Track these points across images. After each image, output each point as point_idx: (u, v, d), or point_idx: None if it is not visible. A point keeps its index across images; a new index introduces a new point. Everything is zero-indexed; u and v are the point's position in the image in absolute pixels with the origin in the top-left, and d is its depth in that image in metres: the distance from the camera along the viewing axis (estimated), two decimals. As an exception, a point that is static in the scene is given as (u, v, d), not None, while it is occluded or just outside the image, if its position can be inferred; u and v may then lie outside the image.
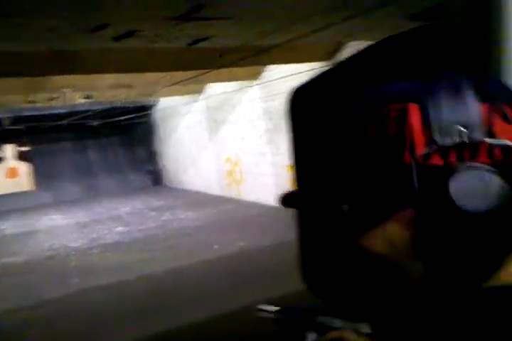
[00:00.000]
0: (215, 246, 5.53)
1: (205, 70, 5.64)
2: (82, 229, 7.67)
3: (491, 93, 0.39)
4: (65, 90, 6.61)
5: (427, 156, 0.37)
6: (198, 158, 10.88)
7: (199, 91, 9.76)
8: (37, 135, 11.76)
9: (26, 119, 10.64)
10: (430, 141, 0.37)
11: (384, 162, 0.39)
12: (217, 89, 9.14)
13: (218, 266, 4.77)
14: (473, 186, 0.36)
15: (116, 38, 3.51)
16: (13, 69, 4.34)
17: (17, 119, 10.53)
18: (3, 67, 4.23)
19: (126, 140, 13.65)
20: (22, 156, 12.00)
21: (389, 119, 0.39)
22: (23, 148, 11.83)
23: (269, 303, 0.63)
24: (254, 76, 7.67)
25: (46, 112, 10.22)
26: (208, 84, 9.40)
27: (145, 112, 12.31)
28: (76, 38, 3.40)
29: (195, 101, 10.32)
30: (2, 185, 11.48)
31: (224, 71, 6.86)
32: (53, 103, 8.14)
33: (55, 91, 6.81)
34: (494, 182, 0.36)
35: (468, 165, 0.36)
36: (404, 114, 0.39)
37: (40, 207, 10.93)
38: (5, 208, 10.95)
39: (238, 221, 6.98)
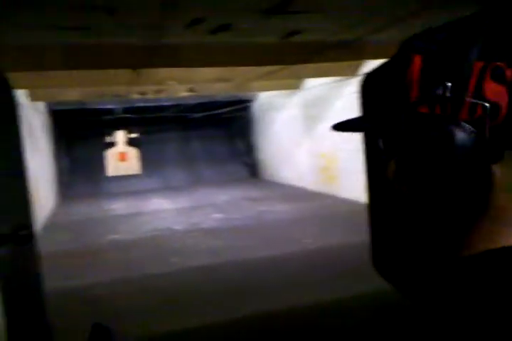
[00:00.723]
0: (307, 240, 5.63)
1: (303, 65, 5.71)
2: (184, 213, 8.20)
3: (495, 51, 0.39)
4: (170, 83, 7.07)
5: (417, 104, 0.41)
6: (294, 153, 11.03)
7: (297, 86, 9.86)
8: (145, 124, 12.70)
9: (137, 110, 11.52)
10: (422, 91, 0.41)
11: (395, 107, 0.44)
12: (314, 84, 9.18)
13: (309, 259, 4.87)
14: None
15: (212, 32, 3.69)
16: (123, 61, 4.73)
17: (128, 109, 11.45)
18: (115, 59, 4.66)
19: (226, 132, 14.21)
20: (131, 143, 13.05)
21: (405, 67, 0.43)
22: (132, 135, 12.80)
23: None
24: (354, 71, 7.59)
25: (154, 104, 10.97)
26: (306, 79, 9.48)
27: (244, 105, 12.71)
28: (173, 33, 3.61)
29: (293, 96, 10.44)
30: (114, 168, 12.60)
31: (322, 65, 6.88)
32: (160, 95, 8.75)
33: (162, 84, 7.31)
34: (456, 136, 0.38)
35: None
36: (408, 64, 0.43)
37: (147, 191, 11.81)
38: (117, 191, 12.03)
39: (331, 217, 7.01)
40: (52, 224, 7.96)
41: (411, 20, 3.52)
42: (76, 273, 4.85)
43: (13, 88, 6.24)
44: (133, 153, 13.05)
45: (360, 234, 5.39)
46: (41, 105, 9.87)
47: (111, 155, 12.85)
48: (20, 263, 1.45)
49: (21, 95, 7.41)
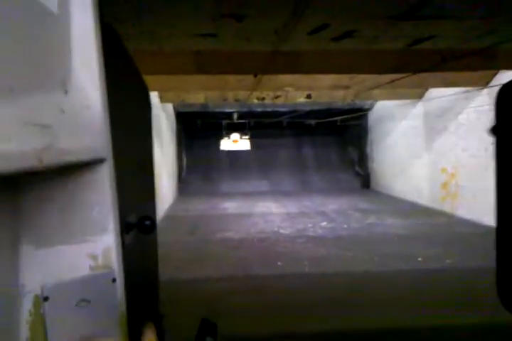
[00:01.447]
0: (419, 259, 5.32)
1: (427, 73, 5.41)
2: (291, 218, 8.25)
3: None
4: (287, 89, 7.16)
5: None
6: (410, 166, 10.51)
7: (419, 96, 9.39)
8: (261, 128, 13.04)
9: (254, 114, 11.88)
10: None
11: None
12: (437, 95, 8.66)
13: (420, 279, 4.59)
14: None
15: (335, 39, 3.64)
16: (247, 67, 4.89)
17: (246, 113, 11.85)
18: (239, 65, 4.83)
19: (339, 140, 14.04)
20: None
21: None
22: (245, 137, 13.15)
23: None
24: (484, 81, 7.02)
25: (271, 109, 11.22)
26: (429, 89, 8.99)
27: (360, 114, 12.44)
28: (296, 39, 3.63)
29: (413, 106, 9.97)
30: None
31: (450, 75, 6.45)
32: (277, 101, 8.91)
33: (279, 90, 7.44)
34: None
35: None
36: None
37: (257, 194, 12.12)
38: (230, 191, 12.53)
39: (448, 236, 6.55)
40: (171, 218, 8.52)
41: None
42: (187, 265, 5.13)
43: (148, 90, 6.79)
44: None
45: (479, 258, 4.98)
46: (169, 106, 10.64)
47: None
48: (142, 250, 1.58)
49: (153, 96, 8.07)
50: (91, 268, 0.92)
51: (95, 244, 0.92)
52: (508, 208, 1.53)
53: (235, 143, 12.64)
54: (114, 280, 0.95)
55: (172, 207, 10.06)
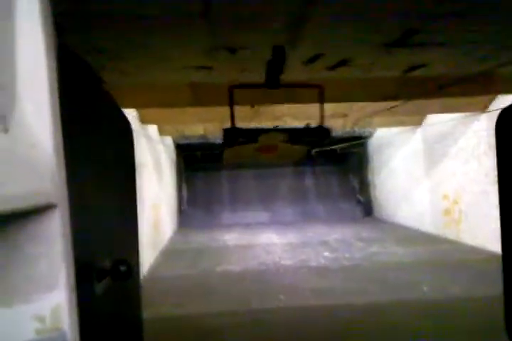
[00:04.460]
0: (424, 288, 5.18)
1: (424, 100, 5.44)
2: (293, 249, 8.11)
3: None
4: (286, 118, 7.19)
5: None
6: (412, 193, 10.44)
7: (418, 123, 9.44)
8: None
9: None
10: None
11: None
12: (436, 121, 8.70)
13: (425, 311, 4.44)
14: None
15: (330, 68, 3.66)
16: (243, 98, 4.91)
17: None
18: (236, 96, 4.85)
19: (339, 169, 14.03)
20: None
21: None
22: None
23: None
24: (482, 106, 7.05)
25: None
26: (427, 115, 9.04)
27: (360, 141, 12.48)
28: (291, 69, 3.65)
29: (412, 132, 10.00)
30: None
31: (447, 101, 6.48)
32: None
33: (278, 120, 7.47)
34: None
35: None
36: None
37: (258, 224, 11.99)
38: (230, 222, 12.41)
39: (453, 264, 6.40)
40: (170, 251, 8.39)
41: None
42: (186, 300, 4.99)
43: (143, 123, 6.73)
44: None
45: (486, 287, 4.84)
46: (169, 139, 10.69)
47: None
48: (119, 299, 1.44)
49: (153, 130, 8.11)
50: (37, 331, 0.80)
51: (42, 304, 0.80)
52: None
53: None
54: None
55: (172, 239, 9.93)
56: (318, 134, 3.58)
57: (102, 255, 1.18)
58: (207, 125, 8.73)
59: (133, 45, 2.74)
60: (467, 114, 7.49)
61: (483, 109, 7.05)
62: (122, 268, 1.21)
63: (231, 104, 3.01)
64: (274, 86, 3.46)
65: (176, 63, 3.35)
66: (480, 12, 2.36)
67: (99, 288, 1.10)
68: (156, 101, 5.24)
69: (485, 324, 3.76)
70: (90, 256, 0.93)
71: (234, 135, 3.18)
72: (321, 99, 3.33)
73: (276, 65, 3.10)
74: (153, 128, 8.15)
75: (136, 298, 1.78)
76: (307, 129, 3.45)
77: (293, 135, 3.48)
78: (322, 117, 3.55)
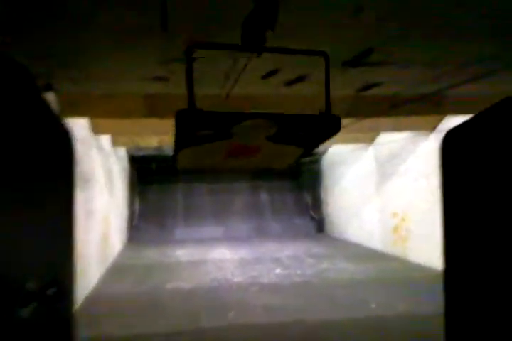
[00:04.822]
0: (373, 305, 5.24)
1: (377, 118, 5.58)
2: (245, 265, 8.04)
3: None
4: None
5: None
6: (362, 210, 10.66)
7: (370, 141, 9.70)
8: (216, 173, 12.98)
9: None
10: None
11: None
12: (388, 139, 8.98)
13: (373, 327, 4.49)
14: None
15: (288, 84, 3.71)
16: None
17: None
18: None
19: (294, 185, 14.16)
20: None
21: None
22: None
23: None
24: (431, 126, 7.34)
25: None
26: (379, 134, 9.30)
27: (314, 158, 12.68)
28: (248, 83, 3.67)
29: (365, 150, 10.27)
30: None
31: (399, 119, 6.70)
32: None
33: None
34: None
35: None
36: None
37: (211, 240, 11.84)
38: (183, 237, 12.20)
39: (400, 281, 6.54)
40: (119, 267, 8.10)
41: (501, 74, 3.35)
42: (133, 320, 4.81)
43: (97, 134, 6.52)
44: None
45: (431, 304, 4.95)
46: (122, 150, 10.45)
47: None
48: (47, 325, 1.28)
49: (105, 141, 7.90)
50: None
51: None
52: (455, 255, 1.51)
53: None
54: None
55: (121, 255, 9.62)
56: (325, 126, 2.21)
57: (25, 277, 1.07)
58: (162, 137, 8.60)
59: (84, 53, 2.66)
60: (417, 133, 7.77)
61: (433, 128, 7.34)
62: (51, 290, 1.10)
63: (189, 68, 1.83)
64: (255, 48, 2.26)
65: (130, 74, 3.29)
66: (435, 34, 2.45)
67: (24, 313, 0.99)
68: (110, 112, 5.11)
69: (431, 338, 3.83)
70: (10, 278, 0.83)
71: (193, 123, 1.83)
72: (327, 70, 2.05)
73: (265, 13, 2.10)
74: (106, 139, 7.94)
75: (68, 323, 1.62)
76: (308, 117, 2.18)
77: (286, 126, 2.13)
78: (328, 100, 2.20)
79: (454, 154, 1.43)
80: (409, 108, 4.67)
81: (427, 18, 2.18)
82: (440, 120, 7.13)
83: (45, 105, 1.42)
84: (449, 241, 1.49)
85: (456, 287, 1.52)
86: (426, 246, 7.65)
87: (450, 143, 1.49)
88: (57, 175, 1.57)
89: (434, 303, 4.86)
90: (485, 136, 1.33)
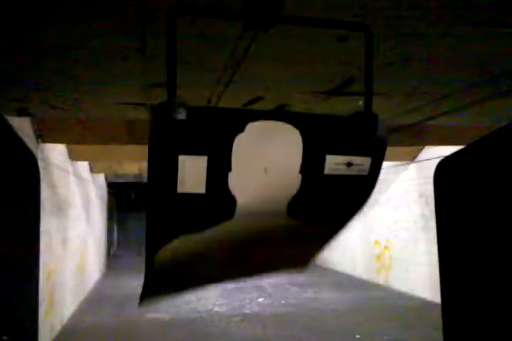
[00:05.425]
0: (358, 336, 5.11)
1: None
2: (227, 295, 7.82)
3: None
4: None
5: None
6: (345, 238, 10.59)
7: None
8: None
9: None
10: None
11: None
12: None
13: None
14: None
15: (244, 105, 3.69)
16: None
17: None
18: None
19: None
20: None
21: None
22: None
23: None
24: (411, 156, 7.41)
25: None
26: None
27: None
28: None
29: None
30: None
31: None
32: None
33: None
34: None
35: None
36: None
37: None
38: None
39: (384, 311, 6.42)
40: (95, 297, 7.82)
41: (484, 106, 3.38)
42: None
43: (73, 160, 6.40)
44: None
45: (414, 334, 4.85)
46: (101, 177, 10.27)
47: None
48: None
49: (83, 168, 7.75)
50: None
51: None
52: (451, 286, 1.45)
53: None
54: None
55: (98, 284, 9.29)
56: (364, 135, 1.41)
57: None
58: (143, 164, 8.49)
59: (61, 77, 2.59)
60: (397, 163, 7.83)
61: (412, 159, 7.41)
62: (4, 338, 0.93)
63: (170, 38, 1.14)
64: (267, 21, 1.44)
65: (108, 99, 3.22)
66: (415, 65, 2.46)
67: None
68: (89, 138, 5.02)
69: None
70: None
71: (175, 123, 1.14)
72: (369, 47, 1.33)
73: None
74: (84, 166, 7.79)
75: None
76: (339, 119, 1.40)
77: (316, 136, 1.30)
78: (370, 95, 1.47)
79: (447, 182, 1.40)
80: (390, 138, 4.69)
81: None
82: (420, 150, 7.21)
83: (8, 129, 1.35)
84: (445, 270, 1.44)
85: (454, 320, 1.45)
86: (409, 274, 7.59)
87: (443, 171, 1.45)
88: (21, 202, 1.47)
89: (418, 333, 4.77)
90: (478, 164, 1.30)
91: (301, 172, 1.25)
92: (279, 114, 1.30)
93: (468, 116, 3.67)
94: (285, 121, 1.28)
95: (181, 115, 1.19)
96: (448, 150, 5.81)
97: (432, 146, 6.38)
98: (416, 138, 4.83)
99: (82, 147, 6.38)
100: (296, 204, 1.28)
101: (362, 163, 1.41)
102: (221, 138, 1.19)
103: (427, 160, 6.89)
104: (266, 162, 1.23)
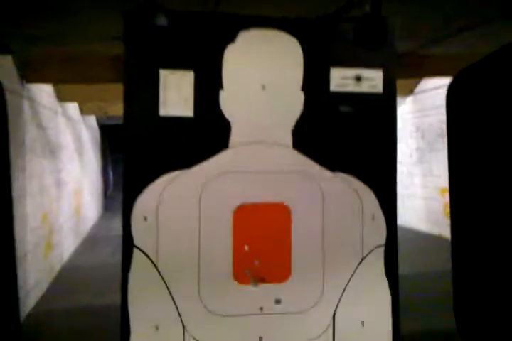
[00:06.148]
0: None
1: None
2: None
3: None
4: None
5: None
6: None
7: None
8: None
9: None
10: None
11: None
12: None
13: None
14: None
15: None
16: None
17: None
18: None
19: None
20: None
21: None
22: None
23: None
24: (408, 89, 7.23)
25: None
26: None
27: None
28: None
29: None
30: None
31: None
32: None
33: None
34: None
35: None
36: None
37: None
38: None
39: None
40: (93, 238, 7.97)
41: (475, 32, 3.22)
42: (108, 291, 4.72)
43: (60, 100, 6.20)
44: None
45: (408, 263, 4.99)
46: (92, 119, 10.06)
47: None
48: None
49: (73, 108, 7.54)
50: None
51: None
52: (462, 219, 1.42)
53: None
54: None
55: (95, 226, 9.44)
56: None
57: None
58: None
59: (40, 8, 2.39)
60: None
61: (409, 92, 7.25)
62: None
63: None
64: None
65: (93, 31, 3.02)
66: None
67: None
68: (75, 77, 4.79)
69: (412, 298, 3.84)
70: None
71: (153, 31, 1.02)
72: None
73: None
74: (74, 107, 7.58)
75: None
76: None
77: (318, 46, 1.14)
78: None
79: (461, 98, 1.31)
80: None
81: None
82: (417, 83, 7.03)
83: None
84: (456, 206, 1.40)
85: (463, 253, 1.43)
86: (404, 207, 7.72)
87: (455, 95, 1.36)
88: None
89: (412, 263, 4.89)
90: (494, 77, 1.20)
91: (303, 89, 1.09)
92: (275, 20, 1.12)
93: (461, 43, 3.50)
94: (281, 28, 1.10)
95: (161, 20, 1.02)
96: (446, 81, 5.64)
97: (429, 78, 6.21)
98: (413, 69, 4.65)
99: (70, 87, 6.15)
100: (303, 132, 1.07)
101: (373, 76, 1.19)
102: (209, 49, 1.03)
103: (423, 92, 6.74)
104: (262, 78, 1.07)
